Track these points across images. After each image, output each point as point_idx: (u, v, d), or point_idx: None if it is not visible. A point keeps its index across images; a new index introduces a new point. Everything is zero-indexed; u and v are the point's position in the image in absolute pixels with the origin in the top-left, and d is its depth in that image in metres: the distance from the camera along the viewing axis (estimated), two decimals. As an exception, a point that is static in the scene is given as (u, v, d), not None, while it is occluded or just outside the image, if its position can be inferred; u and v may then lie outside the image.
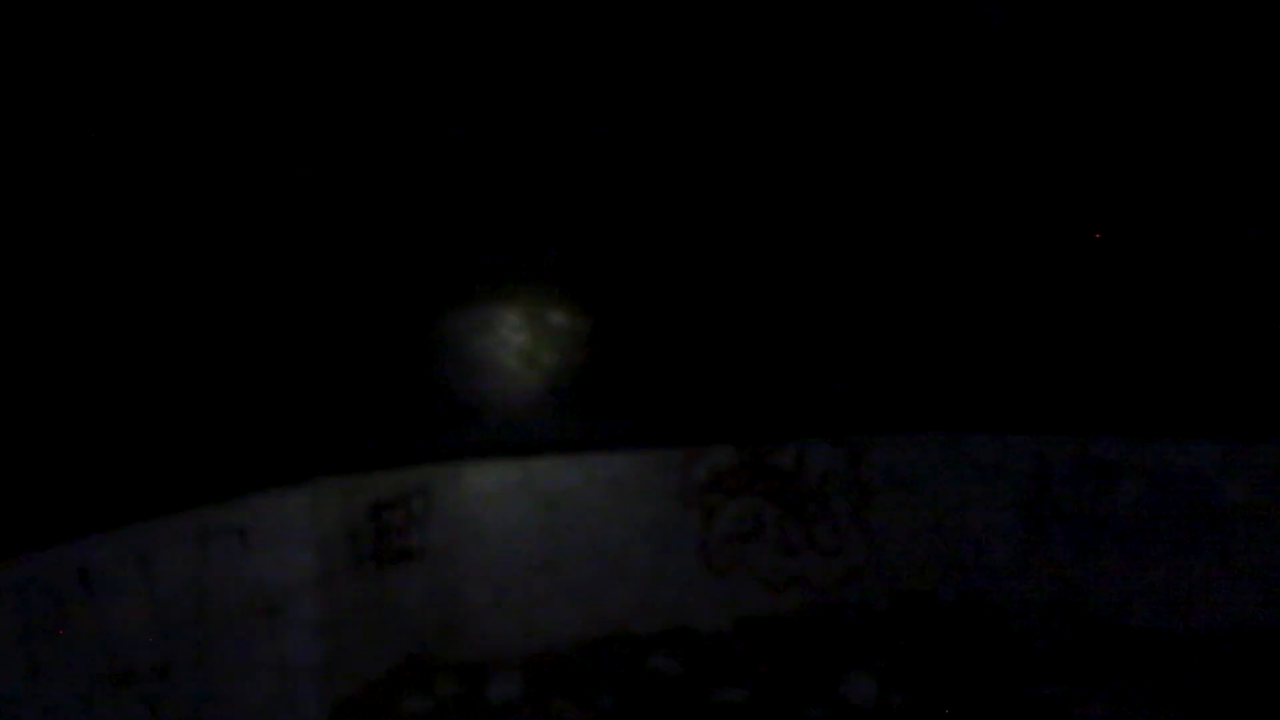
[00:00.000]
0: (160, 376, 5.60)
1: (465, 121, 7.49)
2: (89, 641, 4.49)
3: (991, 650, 6.92)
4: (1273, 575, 6.88)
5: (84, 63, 5.41)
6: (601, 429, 7.74)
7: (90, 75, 5.46)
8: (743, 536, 7.85)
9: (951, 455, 8.07)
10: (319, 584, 5.65)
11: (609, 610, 7.40)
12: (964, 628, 7.43)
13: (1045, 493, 7.66)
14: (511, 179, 7.70)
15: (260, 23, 6.42)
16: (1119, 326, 8.02)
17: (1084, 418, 7.75)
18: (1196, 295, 7.79)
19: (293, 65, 6.63)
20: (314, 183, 6.80)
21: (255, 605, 5.41)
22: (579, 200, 7.94)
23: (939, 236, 8.57)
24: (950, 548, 8.02)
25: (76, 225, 5.36)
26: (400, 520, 6.50)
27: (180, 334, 5.78)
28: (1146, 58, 7.78)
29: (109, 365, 5.34)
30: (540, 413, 7.72)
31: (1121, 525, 7.33)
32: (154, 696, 4.77)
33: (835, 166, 8.44)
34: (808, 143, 8.36)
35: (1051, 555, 7.61)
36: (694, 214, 8.23)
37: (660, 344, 8.10)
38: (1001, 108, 8.33)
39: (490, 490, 7.17)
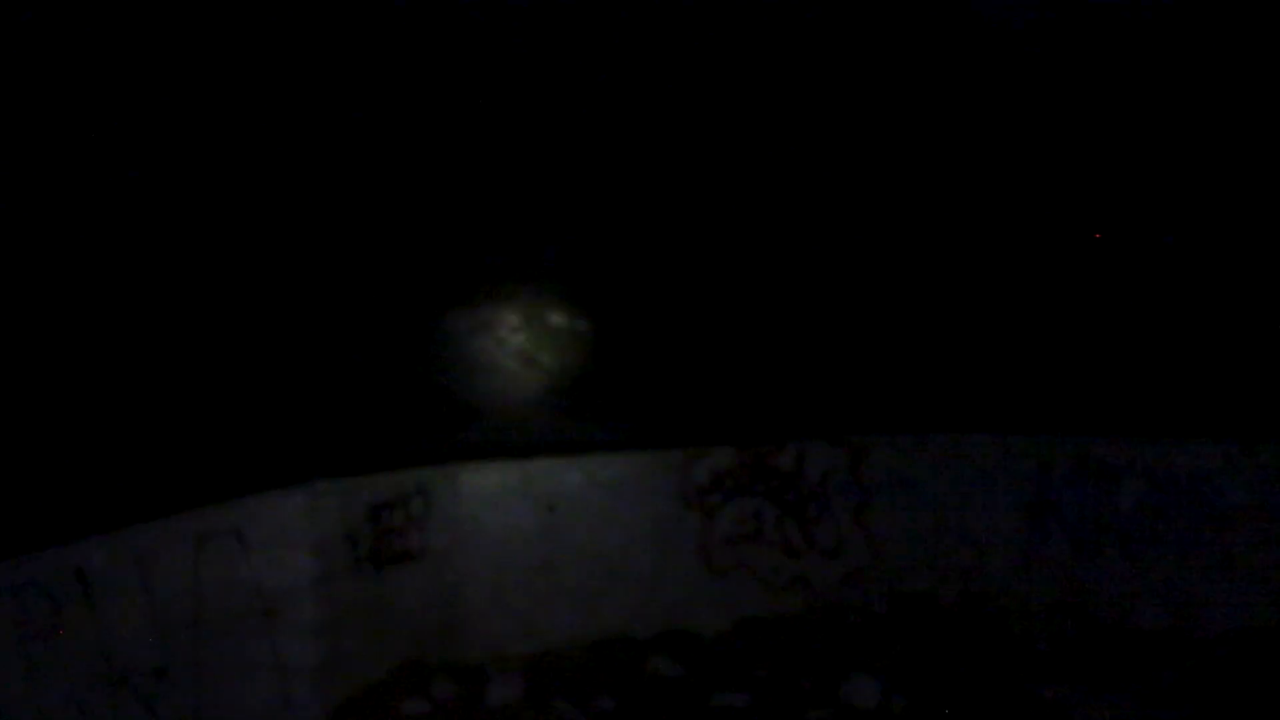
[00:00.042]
0: (158, 379, 5.59)
1: (465, 121, 7.48)
2: (87, 644, 4.47)
3: (993, 652, 6.90)
4: (1275, 576, 6.85)
5: (79, 63, 5.40)
6: (601, 430, 7.73)
7: (89, 76, 5.45)
8: (743, 538, 7.82)
9: (953, 456, 8.04)
10: (317, 585, 5.63)
11: (609, 612, 7.38)
12: (965, 629, 7.41)
13: (1047, 494, 7.64)
14: (511, 179, 7.68)
15: (261, 24, 6.41)
16: (1120, 328, 8.01)
17: (1085, 419, 7.73)
18: (1198, 297, 7.77)
19: (294, 67, 6.62)
20: (311, 185, 6.79)
21: (253, 607, 5.39)
22: (578, 201, 7.93)
23: (939, 238, 8.56)
24: (952, 549, 8.00)
25: (74, 231, 5.35)
26: (399, 521, 6.47)
27: (177, 337, 5.77)
28: (1150, 63, 7.77)
29: (106, 368, 5.33)
30: (539, 413, 7.71)
31: (1123, 526, 7.30)
32: (152, 699, 4.76)
33: (836, 168, 8.43)
34: (809, 144, 8.35)
35: (1053, 556, 7.58)
36: (694, 214, 8.21)
37: (660, 344, 8.08)
38: (1001, 112, 8.31)
39: (489, 491, 7.15)
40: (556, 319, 7.89)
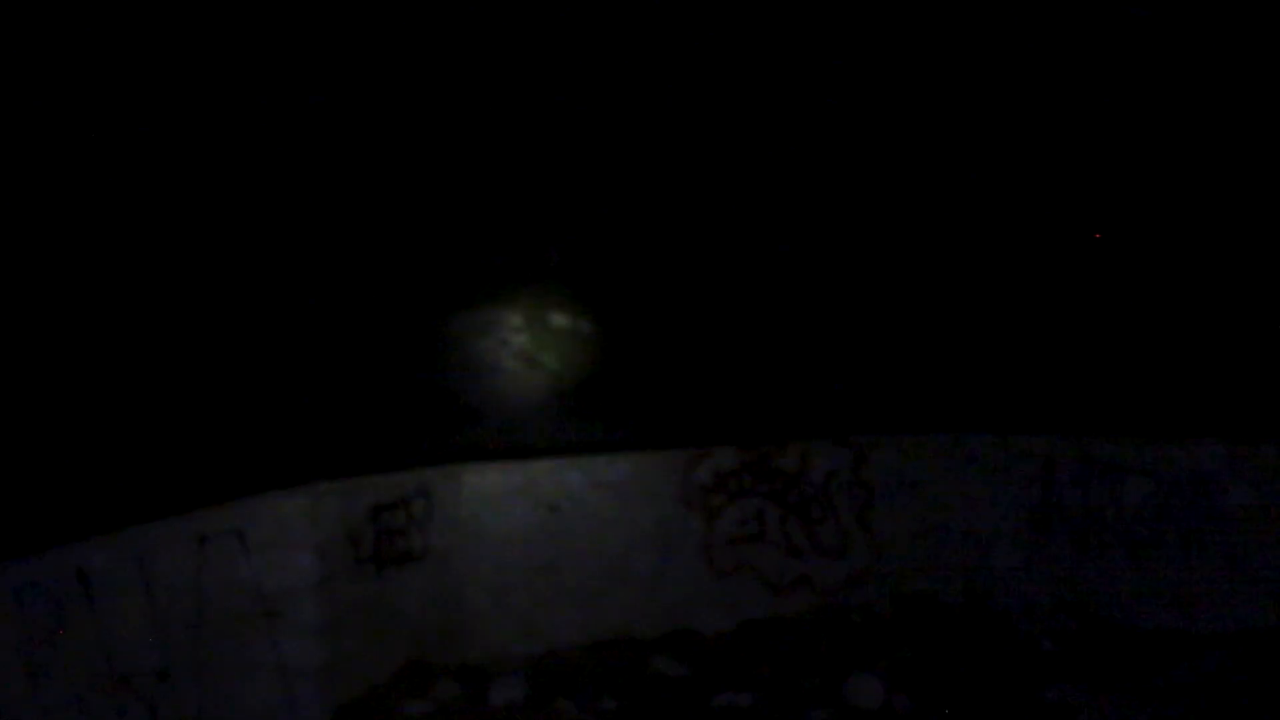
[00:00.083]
0: (159, 379, 5.58)
1: (466, 122, 7.47)
2: (88, 645, 4.46)
3: (997, 652, 6.88)
4: (1278, 576, 6.84)
5: (77, 65, 5.39)
6: (603, 430, 7.71)
7: (88, 77, 5.45)
8: (746, 538, 7.81)
9: (956, 456, 8.02)
10: (319, 587, 5.62)
11: (611, 612, 7.36)
12: (969, 629, 7.39)
13: (1050, 494, 7.62)
14: (514, 179, 7.67)
15: (261, 25, 6.40)
16: (1124, 328, 7.98)
17: (1089, 418, 7.71)
18: (1203, 297, 7.75)
19: (294, 68, 6.61)
20: (310, 185, 6.78)
21: (255, 608, 5.39)
22: (581, 201, 7.92)
23: (943, 238, 8.54)
24: (955, 549, 7.98)
25: (74, 231, 5.35)
26: (401, 522, 6.47)
27: (179, 337, 5.76)
28: (1153, 63, 7.75)
29: (107, 369, 5.32)
30: (542, 414, 7.70)
31: (1127, 527, 7.29)
32: (153, 700, 4.75)
33: (839, 168, 8.41)
34: (811, 144, 8.34)
35: (1057, 556, 7.57)
36: (697, 214, 8.20)
37: (662, 345, 8.07)
38: (1002, 110, 8.30)
39: (491, 492, 7.14)
40: (559, 319, 7.88)
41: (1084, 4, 7.72)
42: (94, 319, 5.36)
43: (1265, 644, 6.57)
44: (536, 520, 7.26)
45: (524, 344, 7.76)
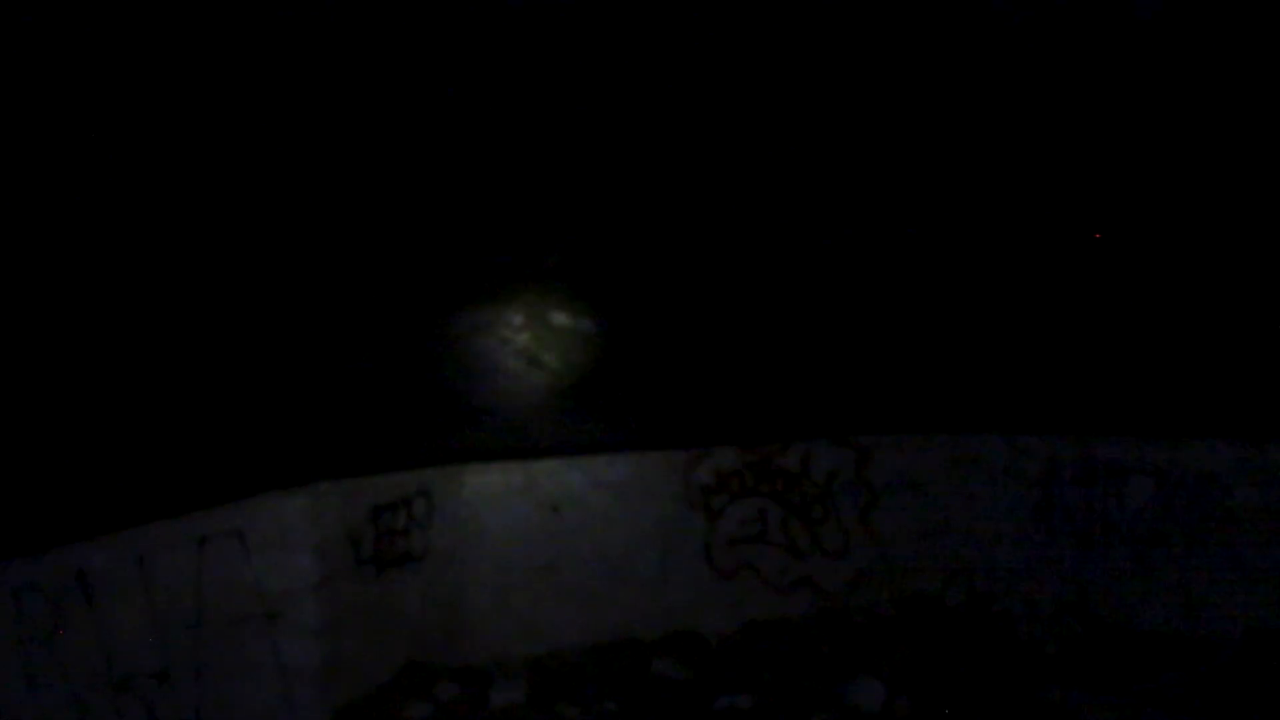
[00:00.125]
0: (159, 380, 5.57)
1: (467, 122, 7.45)
2: (87, 646, 4.46)
3: (1000, 654, 6.86)
4: (1284, 578, 6.80)
5: (76, 65, 5.38)
6: (605, 430, 7.70)
7: (89, 78, 5.44)
8: (748, 539, 7.79)
9: (959, 457, 8.00)
10: (319, 588, 5.61)
11: (613, 614, 7.35)
12: (972, 631, 7.36)
13: (1054, 494, 7.59)
14: (516, 179, 7.66)
15: (261, 26, 6.39)
16: (1127, 327, 7.95)
17: (1092, 418, 7.68)
18: (1207, 297, 7.72)
19: (294, 69, 6.60)
20: (311, 185, 6.77)
21: (255, 609, 5.37)
22: (583, 201, 7.90)
23: (945, 236, 8.52)
24: (958, 550, 7.95)
25: (73, 234, 5.34)
26: (401, 523, 6.45)
27: (179, 337, 5.75)
28: (1159, 62, 7.71)
29: (108, 369, 5.31)
30: (543, 414, 7.68)
31: (1131, 527, 7.26)
32: (152, 702, 4.74)
33: (840, 169, 8.39)
34: (812, 145, 8.31)
35: (1060, 558, 7.53)
36: (699, 213, 8.18)
37: (664, 344, 8.05)
38: (1004, 112, 8.27)
39: (492, 492, 7.13)
40: (560, 319, 7.86)
41: (1084, 4, 7.69)
42: (94, 321, 5.36)
43: (1270, 646, 6.54)
44: (537, 520, 7.24)
45: (526, 344, 7.75)
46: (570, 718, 5.99)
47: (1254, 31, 7.36)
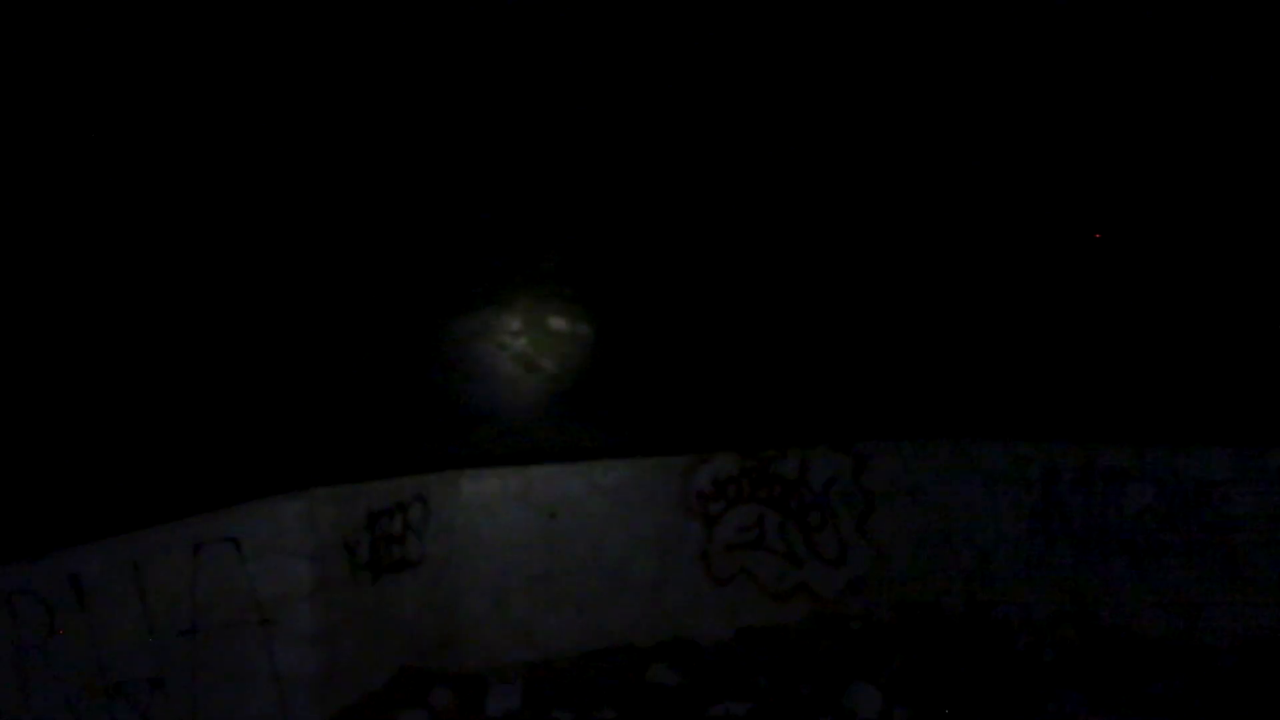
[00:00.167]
0: (154, 385, 5.57)
1: (465, 123, 7.45)
2: (81, 653, 4.44)
3: (998, 661, 6.83)
4: (1283, 584, 6.78)
5: (77, 66, 5.39)
6: (602, 436, 7.69)
7: (87, 79, 5.44)
8: (745, 545, 7.77)
9: (958, 463, 7.98)
10: (314, 594, 5.59)
11: (609, 620, 7.33)
12: (970, 638, 7.34)
13: (1053, 501, 7.57)
14: (512, 182, 7.66)
15: (262, 26, 6.40)
16: (1127, 334, 7.94)
17: (1092, 425, 7.66)
18: (1207, 303, 7.70)
19: (294, 71, 6.61)
20: (308, 190, 6.77)
21: (250, 616, 5.36)
22: (580, 204, 7.90)
23: (944, 242, 8.51)
24: (956, 557, 7.93)
25: (71, 237, 5.34)
26: (397, 529, 6.44)
27: (174, 342, 5.75)
28: (1162, 62, 7.71)
29: (103, 375, 5.31)
30: (540, 420, 7.67)
31: (1130, 534, 7.23)
32: (146, 709, 4.72)
33: (840, 173, 8.39)
34: (812, 148, 8.31)
35: (1059, 564, 7.51)
36: (697, 219, 8.18)
37: (662, 350, 8.04)
38: (1004, 114, 8.27)
39: (489, 498, 7.12)
40: (557, 323, 7.86)
41: (1084, 4, 7.70)
42: (90, 325, 5.35)
43: (1269, 653, 6.51)
44: (534, 526, 7.23)
45: (523, 348, 7.74)
46: (566, 724, 5.97)
47: (1254, 31, 7.36)
